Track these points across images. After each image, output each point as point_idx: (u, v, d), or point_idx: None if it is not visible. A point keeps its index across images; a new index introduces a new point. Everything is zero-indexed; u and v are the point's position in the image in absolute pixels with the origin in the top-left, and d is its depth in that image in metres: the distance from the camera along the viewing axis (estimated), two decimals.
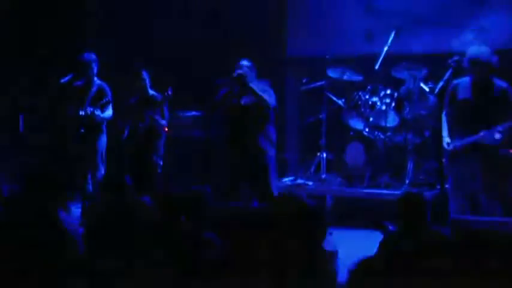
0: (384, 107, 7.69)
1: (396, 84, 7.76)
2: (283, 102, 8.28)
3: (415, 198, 4.19)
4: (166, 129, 7.40)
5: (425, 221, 4.19)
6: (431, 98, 7.44)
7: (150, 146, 7.21)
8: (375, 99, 7.77)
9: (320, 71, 8.01)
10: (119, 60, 8.27)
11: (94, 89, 7.33)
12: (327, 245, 3.83)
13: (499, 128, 5.78)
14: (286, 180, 7.99)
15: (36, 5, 8.57)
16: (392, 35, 7.89)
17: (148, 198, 4.67)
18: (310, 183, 7.82)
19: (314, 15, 8.63)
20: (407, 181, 7.35)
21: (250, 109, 6.64)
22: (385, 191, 7.34)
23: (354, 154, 7.69)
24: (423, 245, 3.74)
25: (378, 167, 7.62)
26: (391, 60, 7.72)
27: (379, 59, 7.77)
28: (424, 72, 7.49)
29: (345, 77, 7.95)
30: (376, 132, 7.79)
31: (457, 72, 6.15)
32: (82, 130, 7.23)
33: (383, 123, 7.71)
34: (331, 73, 7.99)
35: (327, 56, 8.01)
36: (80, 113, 7.17)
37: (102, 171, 7.35)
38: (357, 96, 7.85)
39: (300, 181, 7.89)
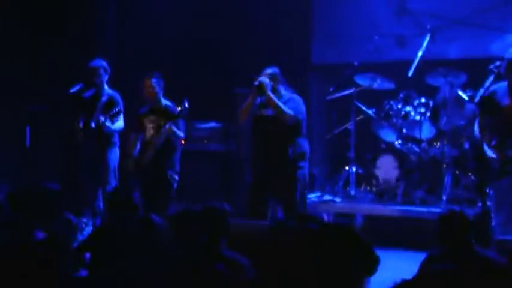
0: (418, 117, 7.61)
1: (431, 92, 7.66)
2: (308, 112, 7.71)
3: (459, 216, 4.10)
4: (183, 141, 7.15)
5: (470, 242, 4.09)
6: (471, 106, 7.29)
7: (166, 160, 6.93)
8: (408, 108, 7.68)
9: (348, 79, 7.93)
10: (130, 68, 8.20)
11: (104, 98, 7.22)
12: None
13: None
14: (312, 196, 7.81)
15: (44, 12, 8.58)
16: (427, 38, 7.79)
17: (158, 217, 4.56)
18: (338, 199, 7.72)
19: (340, 19, 8.56)
20: (444, 197, 7.22)
21: (277, 120, 6.35)
22: (420, 209, 7.21)
23: (386, 168, 7.63)
24: (468, 267, 3.60)
25: (412, 182, 7.53)
26: (425, 66, 7.61)
27: (412, 65, 7.67)
28: (462, 78, 7.37)
29: (375, 85, 7.84)
30: (410, 145, 7.70)
31: (499, 79, 6.07)
32: (92, 143, 7.12)
33: (417, 135, 7.62)
34: (360, 81, 7.89)
35: (355, 63, 7.94)
36: (91, 125, 7.05)
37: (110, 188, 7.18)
38: (389, 106, 7.78)
39: (327, 198, 7.77)
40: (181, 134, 6.92)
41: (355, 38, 8.41)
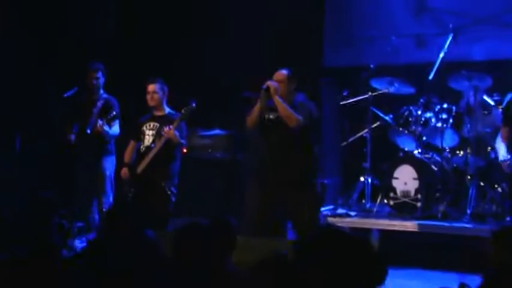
0: (439, 124, 7.50)
1: (454, 97, 7.58)
2: (320, 119, 7.79)
3: None
4: (185, 150, 7.15)
5: None
6: (497, 112, 7.21)
7: (162, 170, 6.81)
8: (428, 114, 7.57)
9: (363, 83, 7.87)
10: (128, 72, 8.27)
11: (100, 103, 7.24)
12: None
13: None
14: (325, 209, 7.71)
15: (39, 11, 8.58)
16: (449, 38, 7.71)
17: (152, 232, 4.46)
18: (353, 213, 7.62)
19: (355, 18, 8.49)
20: (468, 211, 7.09)
21: (285, 126, 6.28)
22: (442, 224, 7.09)
23: (405, 179, 7.47)
24: None
25: (433, 195, 7.40)
26: (448, 68, 7.52)
27: (433, 67, 7.58)
28: (487, 82, 7.24)
29: (393, 89, 7.76)
30: (431, 154, 7.60)
31: None
32: (88, 151, 7.14)
33: (439, 143, 7.50)
34: (376, 84, 7.80)
35: (371, 65, 7.88)
36: (87, 130, 7.08)
37: (111, 199, 7.19)
38: (408, 112, 7.67)
39: (340, 211, 7.68)
40: (182, 140, 6.77)
41: (370, 38, 8.34)
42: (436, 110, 7.53)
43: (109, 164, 7.22)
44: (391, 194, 7.54)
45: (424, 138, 7.64)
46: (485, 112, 7.29)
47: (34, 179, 7.87)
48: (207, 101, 7.17)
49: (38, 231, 4.73)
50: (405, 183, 7.44)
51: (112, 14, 8.84)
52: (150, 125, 6.91)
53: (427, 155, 7.58)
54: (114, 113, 7.08)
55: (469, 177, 7.28)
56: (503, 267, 3.63)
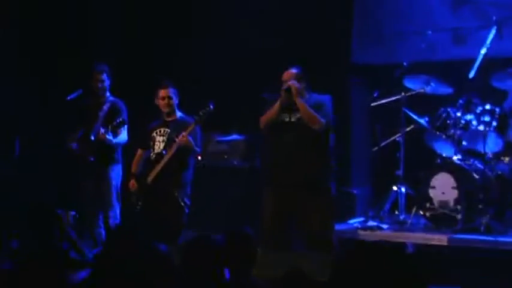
0: (481, 127, 7.39)
1: (498, 97, 7.50)
2: (348, 121, 8.28)
3: None
4: (199, 157, 7.15)
5: None
6: None
7: (175, 180, 6.78)
8: (469, 117, 7.48)
9: (395, 82, 7.78)
10: (137, 75, 8.32)
11: (106, 107, 7.18)
12: None
13: None
14: (354, 222, 7.72)
15: (39, 11, 8.67)
16: (492, 32, 7.61)
17: (165, 247, 4.52)
18: (385, 226, 7.57)
19: (385, 12, 8.43)
20: None
21: (304, 129, 6.36)
22: (485, 238, 6.97)
23: (443, 188, 7.37)
24: None
25: (475, 206, 7.27)
26: (490, 65, 7.46)
27: (474, 64, 7.50)
28: None
29: (429, 89, 7.65)
30: (472, 160, 7.49)
31: None
32: (92, 159, 7.07)
33: (480, 148, 7.37)
34: (410, 84, 7.72)
35: (404, 63, 7.77)
36: (91, 137, 7.01)
37: (117, 212, 7.12)
38: (445, 114, 7.56)
39: (371, 224, 7.61)
40: (197, 147, 6.78)
41: (403, 33, 8.30)
42: (478, 111, 7.44)
43: (115, 174, 7.18)
44: (428, 205, 7.44)
45: (464, 143, 7.53)
46: None
47: (34, 186, 7.95)
48: (223, 103, 7.11)
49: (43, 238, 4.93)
50: (443, 193, 7.35)
51: (117, 14, 8.91)
52: (160, 131, 6.90)
53: (467, 162, 7.50)
54: (121, 119, 7.01)
55: None
56: None
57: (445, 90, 7.66)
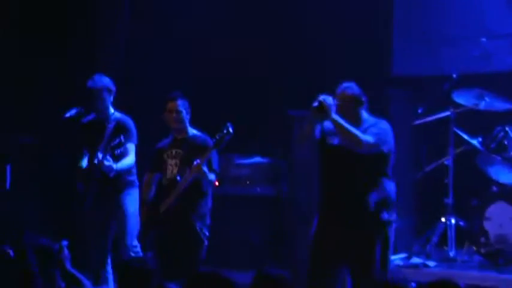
0: None
1: None
2: None
3: None
4: (216, 183, 6.72)
5: None
6: None
7: (192, 209, 6.51)
8: None
9: (443, 96, 7.55)
10: (145, 86, 8.20)
11: (111, 125, 6.77)
12: None
13: None
14: (396, 258, 7.37)
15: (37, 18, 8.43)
16: None
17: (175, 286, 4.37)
18: (432, 264, 7.30)
19: (432, 16, 8.19)
20: None
21: (349, 152, 5.90)
22: None
23: (500, 220, 7.21)
24: None
25: None
26: None
27: None
28: None
29: (482, 105, 7.40)
30: None
31: None
32: (97, 186, 6.66)
33: None
34: (460, 99, 7.46)
35: (454, 75, 7.49)
36: (95, 161, 6.62)
37: (135, 243, 6.71)
38: (502, 133, 7.36)
39: (415, 260, 7.38)
40: (212, 176, 6.47)
41: (452, 41, 8.10)
42: None
43: (131, 199, 6.75)
44: (482, 240, 7.29)
45: None
46: None
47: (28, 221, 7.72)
48: (244, 122, 7.01)
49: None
50: (500, 226, 7.22)
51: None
52: (172, 153, 6.55)
53: None
54: (122, 139, 6.58)
55: None
56: None
57: (502, 105, 7.41)
